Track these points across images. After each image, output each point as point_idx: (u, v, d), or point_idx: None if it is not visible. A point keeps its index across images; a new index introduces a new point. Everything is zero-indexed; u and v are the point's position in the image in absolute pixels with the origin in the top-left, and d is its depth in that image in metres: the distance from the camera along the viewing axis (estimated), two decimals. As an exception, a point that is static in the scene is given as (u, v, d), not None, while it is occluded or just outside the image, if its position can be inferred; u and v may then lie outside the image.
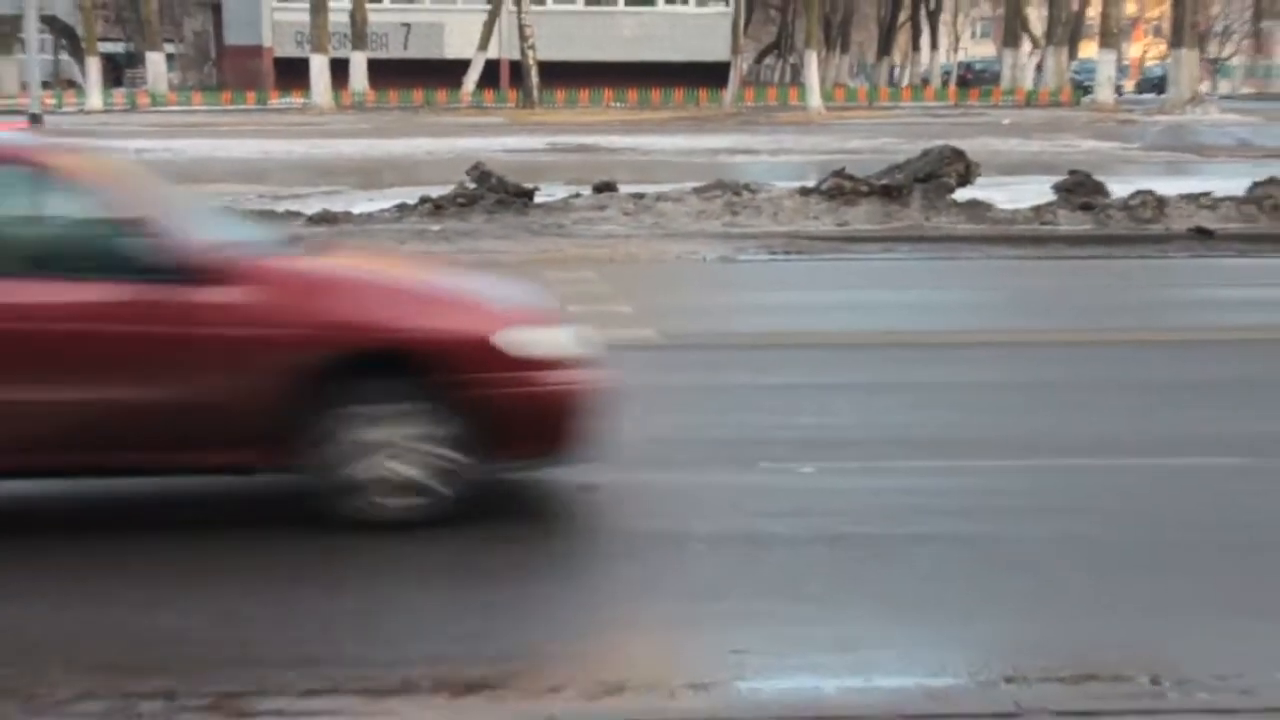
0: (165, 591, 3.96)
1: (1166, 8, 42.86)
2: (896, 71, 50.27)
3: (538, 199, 12.49)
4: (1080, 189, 12.42)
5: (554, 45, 36.08)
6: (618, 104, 36.27)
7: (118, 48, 47.33)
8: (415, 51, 37.81)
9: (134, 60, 45.16)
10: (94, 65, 35.02)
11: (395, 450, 4.32)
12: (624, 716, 3.13)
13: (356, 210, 12.46)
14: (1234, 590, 4.00)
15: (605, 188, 12.75)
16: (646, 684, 3.35)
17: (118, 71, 44.06)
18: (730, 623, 3.73)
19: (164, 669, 3.42)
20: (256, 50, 37.97)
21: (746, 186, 12.59)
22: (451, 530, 4.39)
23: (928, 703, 3.26)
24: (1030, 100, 37.93)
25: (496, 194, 12.31)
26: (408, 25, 38.09)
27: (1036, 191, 12.73)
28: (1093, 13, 45.80)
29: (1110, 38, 37.41)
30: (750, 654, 3.52)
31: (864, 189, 12.15)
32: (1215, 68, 62.13)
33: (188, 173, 16.38)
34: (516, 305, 4.66)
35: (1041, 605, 3.88)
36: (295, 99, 34.51)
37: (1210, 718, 3.16)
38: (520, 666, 3.46)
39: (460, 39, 36.94)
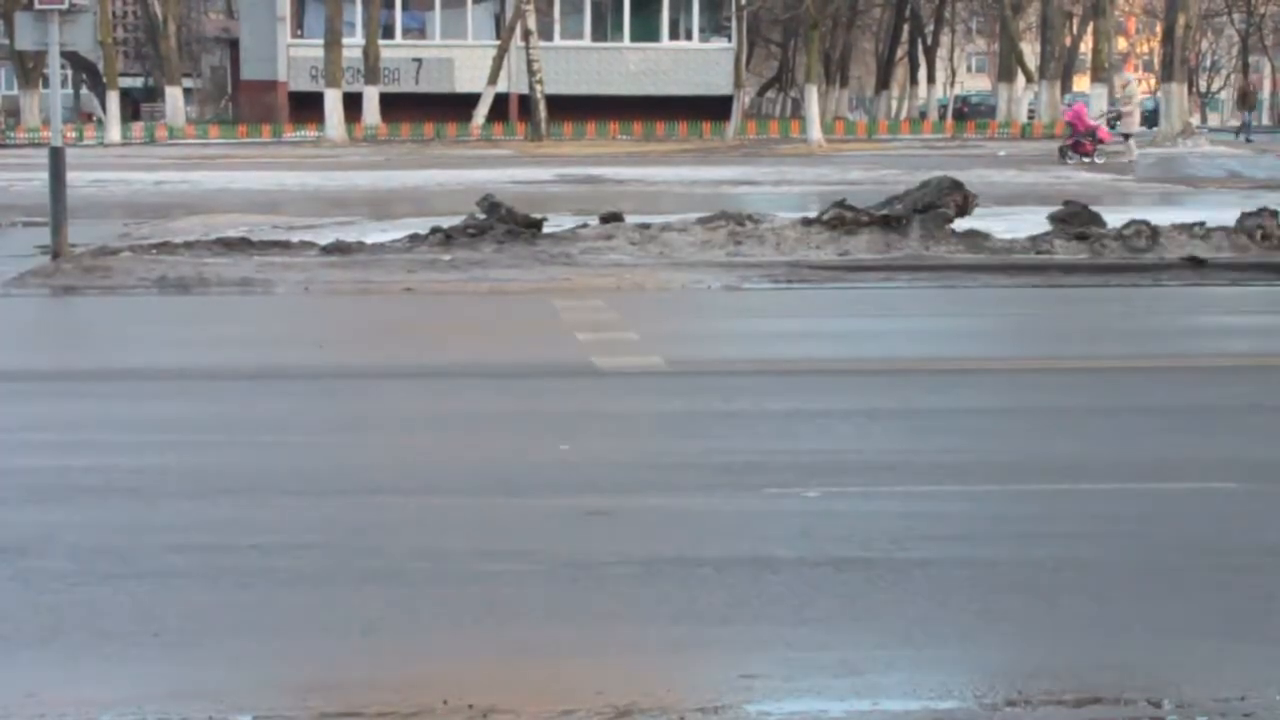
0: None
1: (1157, 43, 43.21)
2: (894, 105, 50.55)
3: (546, 229, 12.54)
4: (1075, 219, 12.52)
5: (561, 79, 36.35)
6: (623, 136, 36.39)
7: (137, 82, 47.52)
8: (426, 86, 38.03)
9: (152, 95, 45.34)
10: (114, 100, 35.20)
11: None
12: (635, 739, 3.16)
13: (369, 240, 12.50)
14: (1233, 613, 4.05)
15: (612, 218, 12.81)
16: (656, 707, 3.38)
17: (136, 106, 44.23)
18: (738, 646, 3.78)
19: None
20: (272, 85, 38.19)
21: (749, 217, 12.67)
22: (466, 555, 4.44)
23: (933, 725, 3.31)
24: (1025, 133, 38.18)
25: (506, 224, 12.38)
26: (419, 60, 38.32)
27: (1033, 222, 12.82)
28: (1085, 48, 46.16)
29: (1102, 72, 37.72)
30: (758, 677, 3.55)
31: (864, 219, 12.24)
32: (1204, 101, 62.62)
33: (204, 203, 16.47)
34: None
35: (1044, 628, 3.93)
36: (309, 132, 34.65)
37: (1210, 740, 3.20)
38: (531, 689, 3.50)
39: (470, 74, 37.16)
